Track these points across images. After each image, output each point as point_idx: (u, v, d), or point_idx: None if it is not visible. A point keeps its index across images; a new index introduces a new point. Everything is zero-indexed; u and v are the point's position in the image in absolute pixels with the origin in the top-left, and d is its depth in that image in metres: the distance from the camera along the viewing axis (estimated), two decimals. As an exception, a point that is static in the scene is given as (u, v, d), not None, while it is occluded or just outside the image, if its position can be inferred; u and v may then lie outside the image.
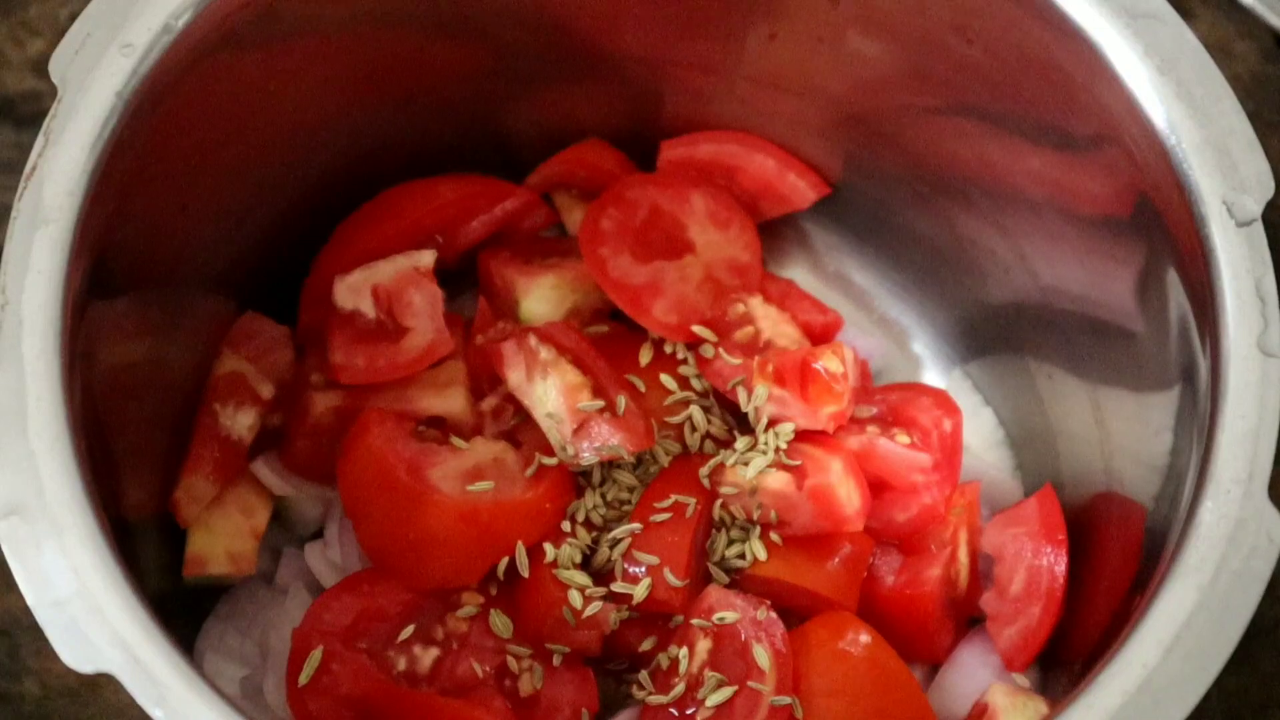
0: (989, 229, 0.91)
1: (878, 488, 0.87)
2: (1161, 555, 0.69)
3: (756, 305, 0.92)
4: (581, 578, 0.82)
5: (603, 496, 0.86)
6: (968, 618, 0.90)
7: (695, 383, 0.90)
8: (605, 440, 0.83)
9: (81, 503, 0.63)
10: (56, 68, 0.70)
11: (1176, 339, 0.75)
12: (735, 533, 0.86)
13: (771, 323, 0.92)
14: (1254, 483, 0.67)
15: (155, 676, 0.61)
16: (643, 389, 0.89)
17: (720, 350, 0.89)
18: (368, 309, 0.87)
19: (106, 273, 0.71)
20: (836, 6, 0.83)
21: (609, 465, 0.87)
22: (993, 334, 0.97)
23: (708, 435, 0.89)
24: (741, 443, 0.86)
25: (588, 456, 0.84)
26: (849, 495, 0.83)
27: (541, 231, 0.98)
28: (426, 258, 0.88)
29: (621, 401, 0.85)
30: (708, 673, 0.80)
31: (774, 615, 0.81)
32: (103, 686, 0.88)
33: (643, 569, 0.82)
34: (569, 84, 0.94)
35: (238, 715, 0.61)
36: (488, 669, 0.81)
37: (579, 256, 0.92)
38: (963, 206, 0.91)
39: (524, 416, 0.87)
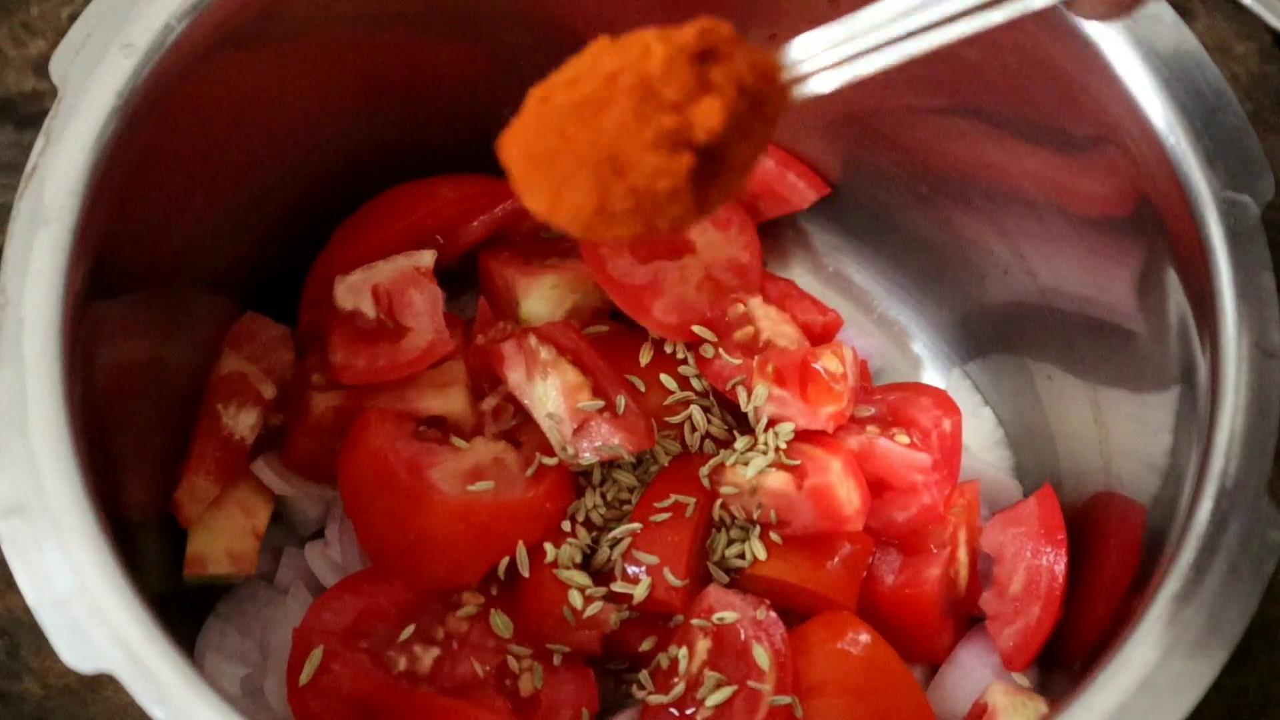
0: (989, 229, 0.91)
1: (877, 488, 0.87)
2: (1161, 555, 0.69)
3: (756, 305, 0.92)
4: (581, 578, 0.82)
5: (603, 496, 0.86)
6: (968, 618, 0.90)
7: (695, 383, 0.90)
8: (605, 440, 0.83)
9: (81, 503, 0.63)
10: (57, 68, 0.70)
11: (1176, 339, 0.75)
12: (735, 533, 0.86)
13: (771, 323, 0.92)
14: (1254, 483, 0.67)
15: (155, 676, 0.61)
16: (643, 389, 0.89)
17: (720, 350, 0.89)
18: (368, 309, 0.87)
19: (106, 273, 0.71)
20: (836, 6, 0.83)
21: (609, 465, 0.87)
22: (992, 334, 0.97)
23: (708, 435, 0.89)
24: (741, 443, 0.86)
25: (588, 456, 0.84)
26: (849, 495, 0.83)
27: (541, 231, 0.98)
28: (426, 258, 0.88)
29: (621, 401, 0.85)
30: (708, 673, 0.80)
31: (774, 615, 0.81)
32: (103, 686, 0.88)
33: (643, 569, 0.82)
34: (569, 84, 0.94)
35: (238, 715, 0.61)
36: (488, 669, 0.81)
37: (579, 256, 0.92)
38: (962, 207, 0.91)
39: (524, 416, 0.87)
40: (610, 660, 0.86)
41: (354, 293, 0.88)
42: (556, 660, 0.82)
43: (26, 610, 0.62)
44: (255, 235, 0.90)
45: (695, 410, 0.89)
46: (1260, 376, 0.68)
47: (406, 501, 0.81)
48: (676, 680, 0.81)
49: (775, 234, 1.02)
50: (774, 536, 0.84)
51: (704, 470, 0.85)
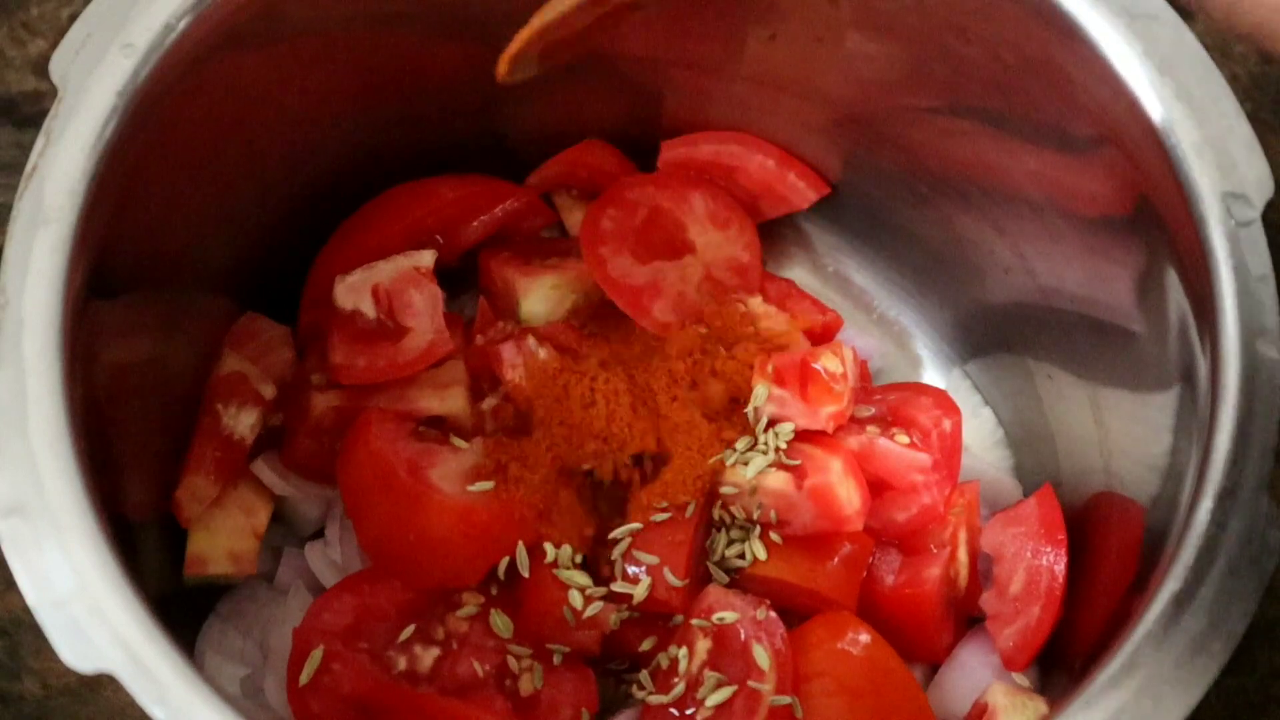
0: (988, 229, 0.91)
1: (878, 488, 0.87)
2: (1161, 555, 0.69)
3: (756, 305, 0.92)
4: (581, 578, 0.82)
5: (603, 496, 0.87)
6: (968, 618, 0.90)
7: (695, 383, 0.90)
8: (605, 440, 0.83)
9: (81, 503, 0.63)
10: (57, 68, 0.70)
11: (1176, 339, 0.75)
12: (735, 533, 0.86)
13: (771, 323, 0.92)
14: (1254, 483, 0.67)
15: (155, 676, 0.61)
16: (642, 389, 0.89)
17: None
18: (368, 309, 0.87)
19: (106, 273, 0.71)
20: (836, 6, 0.83)
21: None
22: (992, 334, 0.97)
23: (708, 435, 0.89)
24: (741, 443, 0.86)
25: (588, 456, 0.84)
26: (849, 495, 0.83)
27: (541, 231, 0.98)
28: (426, 258, 0.88)
29: (621, 401, 0.85)
30: (708, 673, 0.80)
31: (774, 615, 0.81)
32: (103, 686, 0.88)
33: (643, 569, 0.82)
34: (569, 84, 0.94)
35: (238, 715, 0.61)
36: (488, 669, 0.81)
37: (579, 256, 0.92)
38: (962, 206, 0.91)
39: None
40: (610, 660, 0.86)
41: (354, 293, 0.88)
42: (556, 660, 0.82)
43: (26, 610, 0.62)
44: (255, 235, 0.90)
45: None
46: (1260, 376, 0.68)
47: (406, 501, 0.81)
48: (676, 680, 0.81)
49: (775, 234, 1.02)
50: (774, 536, 0.84)
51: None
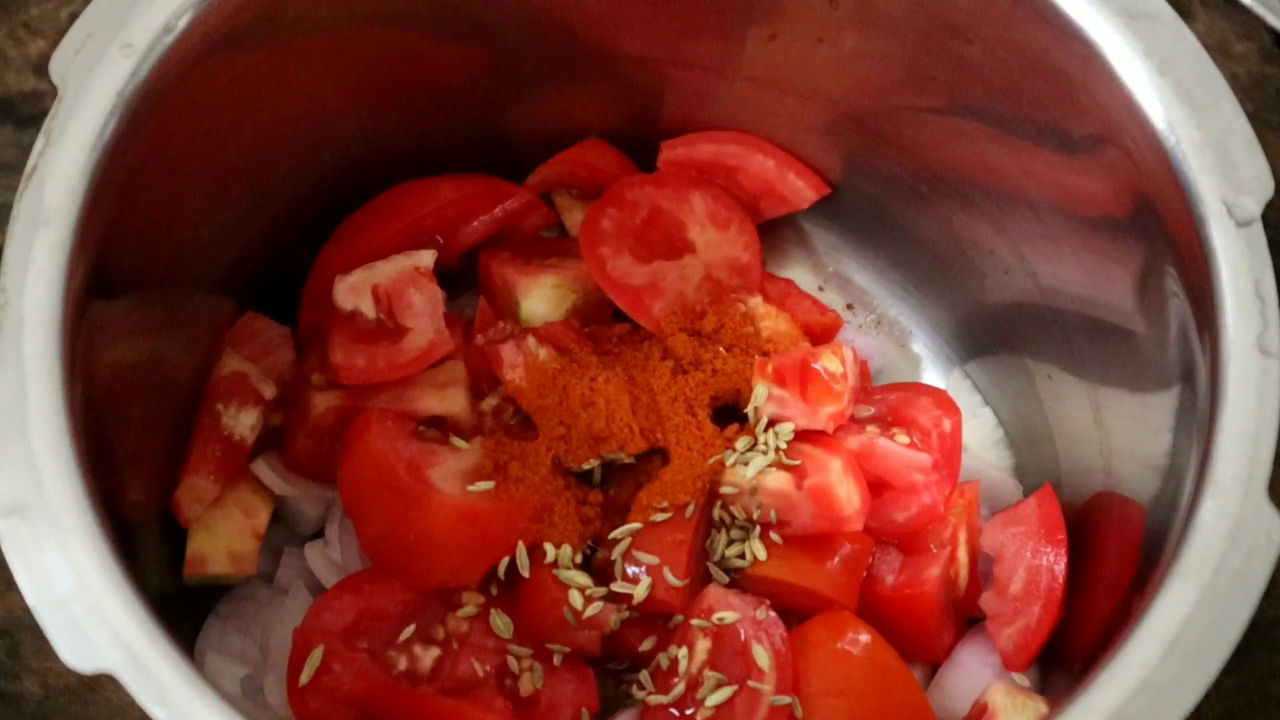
0: (989, 229, 0.91)
1: (878, 488, 0.87)
2: (1161, 555, 0.69)
3: (756, 305, 0.92)
4: (582, 578, 0.82)
5: (603, 496, 0.86)
6: (968, 618, 0.90)
7: (695, 383, 0.90)
8: (605, 440, 0.83)
9: (82, 503, 0.63)
10: (57, 68, 0.70)
11: (1176, 339, 0.75)
12: (735, 533, 0.86)
13: (771, 323, 0.92)
14: (1254, 483, 0.67)
15: (155, 676, 0.61)
16: (643, 389, 0.89)
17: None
18: (368, 309, 0.87)
19: (106, 273, 0.71)
20: (836, 7, 0.83)
21: (609, 465, 0.87)
22: (992, 334, 0.97)
23: (708, 435, 0.89)
24: (741, 443, 0.86)
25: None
26: (849, 495, 0.83)
27: (541, 231, 0.98)
28: (426, 258, 0.88)
29: (621, 401, 0.85)
30: (707, 673, 0.80)
31: (774, 615, 0.81)
32: (103, 686, 0.88)
33: (643, 569, 0.82)
34: (569, 84, 0.94)
35: (238, 715, 0.61)
36: (488, 669, 0.81)
37: (579, 256, 0.92)
38: (962, 207, 0.91)
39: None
40: (610, 660, 0.86)
41: (354, 293, 0.88)
42: (556, 660, 0.82)
43: (26, 610, 0.62)
44: (255, 235, 0.90)
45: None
46: (1260, 376, 0.68)
47: (406, 501, 0.81)
48: (676, 680, 0.81)
49: (775, 234, 1.02)
50: (774, 536, 0.84)
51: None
